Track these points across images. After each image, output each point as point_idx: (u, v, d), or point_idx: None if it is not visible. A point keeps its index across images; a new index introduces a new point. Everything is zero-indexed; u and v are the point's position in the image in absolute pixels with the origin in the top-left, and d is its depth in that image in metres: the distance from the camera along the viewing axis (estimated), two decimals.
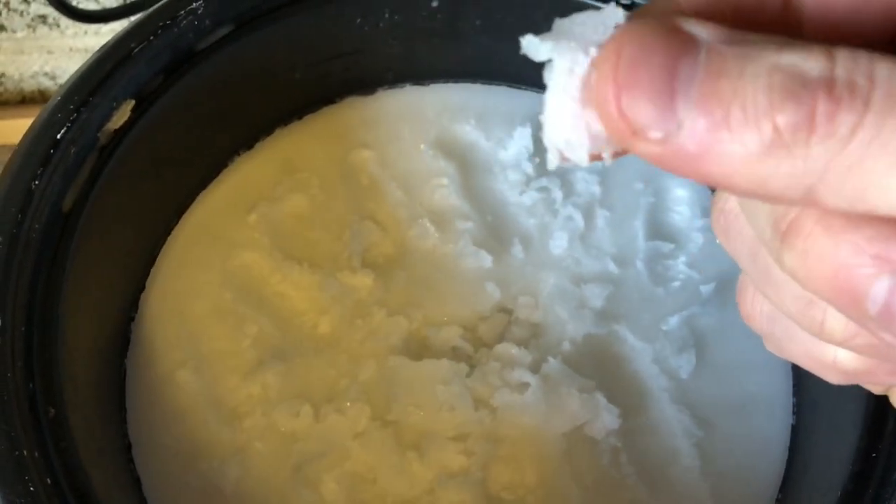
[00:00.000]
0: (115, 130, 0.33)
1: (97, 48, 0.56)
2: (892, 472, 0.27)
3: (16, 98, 0.60)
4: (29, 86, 0.59)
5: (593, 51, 0.15)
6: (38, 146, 0.31)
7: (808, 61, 0.14)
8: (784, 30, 0.16)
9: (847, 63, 0.14)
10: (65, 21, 0.55)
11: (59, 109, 0.32)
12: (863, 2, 0.16)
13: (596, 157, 0.16)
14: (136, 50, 0.34)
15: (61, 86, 0.33)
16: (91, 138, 0.33)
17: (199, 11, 0.35)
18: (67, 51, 0.58)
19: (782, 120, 0.14)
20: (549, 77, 0.16)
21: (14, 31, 0.55)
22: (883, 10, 0.16)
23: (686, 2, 0.16)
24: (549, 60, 0.16)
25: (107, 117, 0.33)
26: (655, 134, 0.14)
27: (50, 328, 0.29)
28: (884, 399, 0.29)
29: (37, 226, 0.30)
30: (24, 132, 0.58)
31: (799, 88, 0.14)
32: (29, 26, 0.55)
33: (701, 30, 0.15)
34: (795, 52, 0.14)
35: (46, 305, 0.30)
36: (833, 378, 0.19)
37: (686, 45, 0.14)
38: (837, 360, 0.18)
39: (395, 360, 0.36)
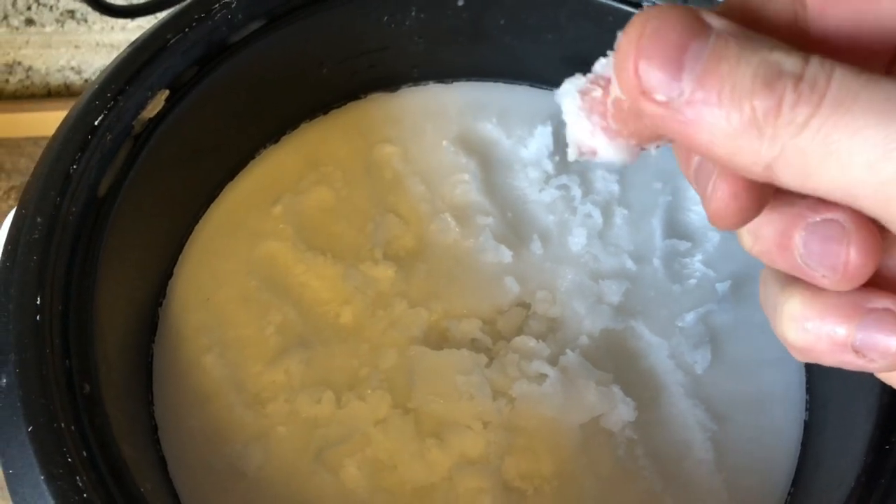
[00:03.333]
0: (150, 119, 0.34)
1: (122, 43, 0.58)
2: None
3: (42, 91, 0.61)
4: (55, 79, 0.61)
5: (597, 68, 0.19)
6: (76, 132, 0.32)
7: (788, 60, 0.17)
8: (791, 41, 0.18)
9: (816, 65, 0.16)
10: (92, 16, 0.56)
11: (96, 97, 0.33)
12: (860, 21, 0.19)
13: (591, 153, 0.19)
14: (172, 41, 0.35)
15: (100, 73, 0.34)
16: (126, 126, 0.33)
17: (233, 6, 0.36)
18: (94, 45, 0.59)
19: (758, 103, 0.16)
20: (564, 94, 0.19)
21: (43, 26, 0.56)
22: (879, 31, 0.18)
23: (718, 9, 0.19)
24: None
25: (142, 106, 0.34)
26: (661, 97, 0.17)
27: (84, 308, 0.30)
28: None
29: (74, 209, 0.31)
30: (50, 125, 0.59)
31: (774, 80, 0.16)
32: (58, 21, 0.56)
33: (715, 20, 0.17)
34: (781, 52, 0.17)
35: (82, 286, 0.31)
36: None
37: (701, 28, 0.17)
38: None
39: (416, 349, 0.37)
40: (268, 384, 0.36)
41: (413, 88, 0.44)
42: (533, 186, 0.41)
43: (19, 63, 0.59)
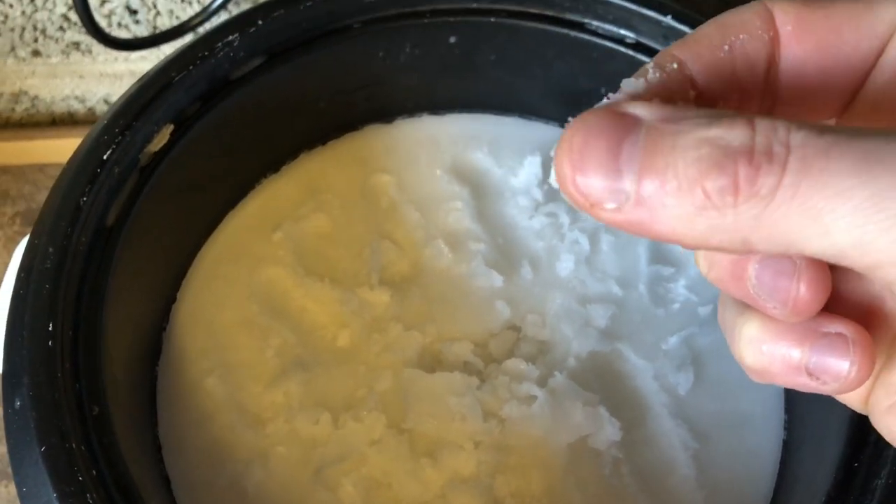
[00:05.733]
0: (155, 152, 0.36)
1: (125, 73, 0.60)
2: (872, 479, 0.29)
3: (46, 120, 0.63)
4: (59, 108, 0.62)
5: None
6: (86, 165, 0.34)
7: (732, 132, 0.16)
8: (765, 94, 0.19)
9: (766, 132, 0.16)
10: (97, 48, 0.58)
11: (105, 132, 0.35)
12: (826, 55, 0.19)
13: None
14: (177, 78, 0.36)
15: (108, 109, 0.36)
16: (133, 159, 0.35)
17: (235, 43, 0.38)
18: (97, 75, 0.60)
19: (710, 185, 0.16)
20: None
21: (49, 57, 0.58)
22: (842, 64, 0.19)
23: (693, 67, 0.19)
24: None
25: (148, 140, 0.36)
26: (610, 205, 0.17)
27: (93, 334, 0.32)
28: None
29: (83, 239, 0.33)
30: (54, 152, 0.61)
31: (722, 158, 0.16)
32: (63, 52, 0.58)
33: (644, 111, 0.17)
34: (722, 126, 0.16)
35: (90, 312, 0.32)
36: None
37: (628, 126, 0.17)
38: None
39: (411, 372, 0.38)
40: (268, 405, 0.38)
41: (407, 120, 0.45)
42: (523, 214, 0.43)
43: (25, 92, 0.61)
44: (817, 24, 0.19)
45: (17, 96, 0.60)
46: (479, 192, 0.44)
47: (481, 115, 0.46)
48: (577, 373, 0.38)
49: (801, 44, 0.20)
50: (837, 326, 0.19)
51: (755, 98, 0.20)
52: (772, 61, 0.20)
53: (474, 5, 0.40)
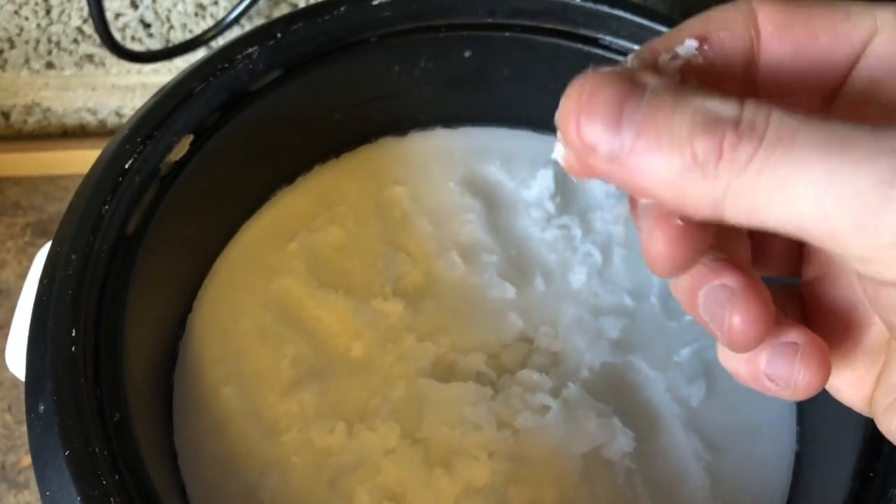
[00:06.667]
0: (175, 162, 0.36)
1: (136, 86, 0.60)
2: (888, 488, 0.29)
3: (58, 131, 0.63)
4: (71, 120, 0.63)
5: None
6: (108, 174, 0.34)
7: (724, 106, 0.18)
8: (744, 88, 0.20)
9: (752, 109, 0.17)
10: (109, 60, 0.59)
11: (127, 141, 0.35)
12: (801, 55, 0.20)
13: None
14: (197, 89, 0.37)
15: (129, 118, 0.36)
16: (154, 168, 0.35)
17: (254, 56, 0.38)
18: (110, 88, 0.61)
19: (699, 146, 0.17)
20: None
21: (62, 69, 0.59)
22: (817, 65, 0.20)
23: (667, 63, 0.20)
24: None
25: (168, 149, 0.36)
26: (605, 152, 0.18)
27: (114, 341, 0.32)
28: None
29: (105, 246, 0.33)
30: (65, 164, 0.61)
31: (713, 124, 0.17)
32: (76, 65, 0.59)
33: (650, 78, 0.19)
34: (716, 100, 0.18)
35: (111, 319, 0.32)
36: None
37: (635, 86, 0.18)
38: None
39: (424, 382, 0.38)
40: (283, 414, 0.38)
41: (421, 133, 0.46)
42: (535, 226, 0.43)
43: (38, 104, 0.61)
44: (796, 28, 0.21)
45: (29, 108, 0.61)
46: (492, 204, 0.44)
47: (494, 128, 0.46)
48: (590, 384, 0.39)
49: (780, 45, 0.21)
50: (792, 335, 0.20)
51: (732, 92, 0.21)
52: (751, 59, 0.21)
53: (489, 20, 0.41)
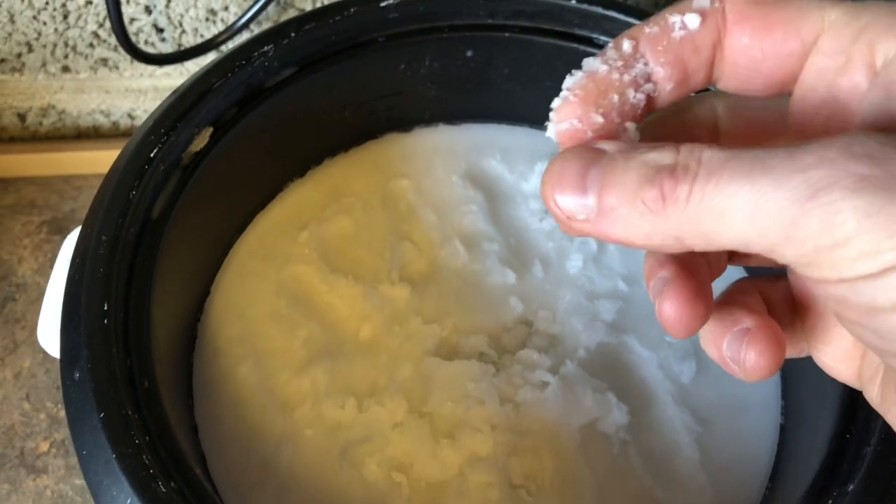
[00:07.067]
0: (196, 153, 0.39)
1: (149, 89, 0.63)
2: (863, 447, 0.31)
3: (72, 133, 0.65)
4: (85, 122, 0.65)
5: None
6: (135, 162, 0.36)
7: (662, 155, 0.20)
8: (709, 75, 0.23)
9: (686, 152, 0.20)
10: (123, 64, 0.61)
11: (152, 132, 0.37)
12: (760, 62, 0.22)
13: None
14: (217, 85, 0.39)
15: (153, 111, 0.39)
16: (176, 158, 0.38)
17: (270, 54, 0.41)
18: (123, 91, 0.63)
19: (646, 195, 0.20)
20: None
21: (77, 73, 0.61)
22: (777, 70, 0.22)
23: (646, 47, 0.23)
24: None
25: (189, 141, 0.38)
26: (580, 216, 0.21)
27: (141, 316, 0.34)
28: (857, 394, 0.33)
29: (132, 229, 0.35)
30: (79, 164, 0.63)
31: (654, 174, 0.20)
32: (91, 68, 0.61)
33: (608, 146, 0.21)
34: (657, 152, 0.20)
35: (139, 296, 0.34)
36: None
37: (595, 155, 0.21)
38: None
39: (430, 360, 0.40)
40: (296, 391, 0.40)
41: (425, 129, 0.48)
42: (534, 217, 0.46)
43: (53, 106, 0.63)
44: (755, 22, 0.23)
45: (45, 110, 0.63)
46: (493, 196, 0.47)
47: (494, 124, 0.49)
48: (587, 362, 0.41)
49: (741, 37, 0.23)
50: (748, 322, 0.23)
51: (700, 76, 0.24)
52: (717, 48, 0.23)
53: (489, 21, 0.44)
